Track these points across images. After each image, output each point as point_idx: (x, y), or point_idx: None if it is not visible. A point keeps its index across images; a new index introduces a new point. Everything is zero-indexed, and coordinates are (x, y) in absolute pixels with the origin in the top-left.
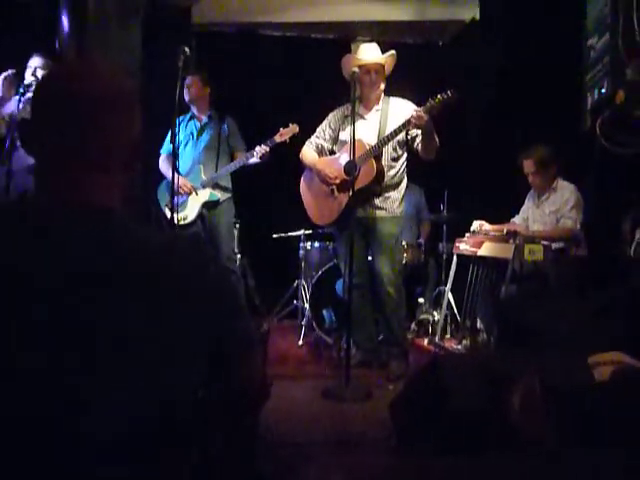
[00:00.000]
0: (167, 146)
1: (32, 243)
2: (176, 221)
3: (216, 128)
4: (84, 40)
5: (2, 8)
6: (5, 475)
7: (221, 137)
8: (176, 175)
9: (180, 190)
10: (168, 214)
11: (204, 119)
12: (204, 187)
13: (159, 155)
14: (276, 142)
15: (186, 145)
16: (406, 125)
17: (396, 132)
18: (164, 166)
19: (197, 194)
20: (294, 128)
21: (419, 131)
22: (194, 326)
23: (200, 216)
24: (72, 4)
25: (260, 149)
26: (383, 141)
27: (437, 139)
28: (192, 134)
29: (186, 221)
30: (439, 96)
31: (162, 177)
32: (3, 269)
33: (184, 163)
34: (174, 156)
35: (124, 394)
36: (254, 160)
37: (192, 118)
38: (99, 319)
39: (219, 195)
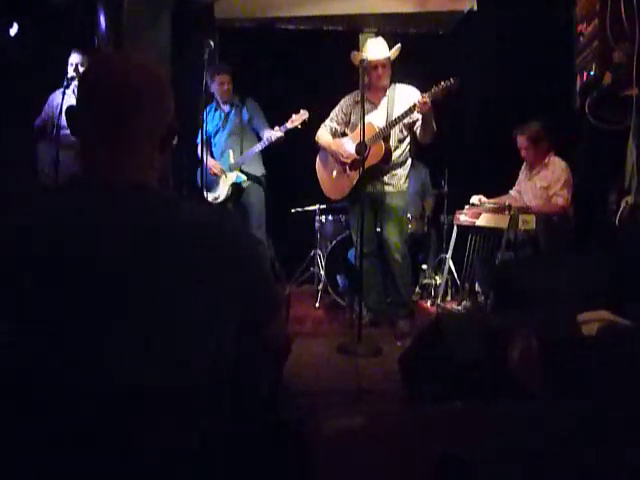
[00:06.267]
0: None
1: (80, 220)
2: (210, 199)
3: (238, 115)
4: (120, 36)
5: (45, 10)
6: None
7: (243, 122)
8: (208, 157)
9: (210, 171)
10: (204, 193)
11: (226, 108)
12: (232, 170)
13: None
14: (288, 128)
15: (216, 133)
16: (412, 110)
17: (403, 116)
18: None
19: (226, 176)
20: (304, 114)
21: (419, 116)
22: (229, 289)
23: (231, 195)
24: (108, 4)
25: (269, 134)
26: (391, 124)
27: (435, 126)
28: (220, 123)
29: (218, 200)
30: (442, 83)
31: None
32: (52, 246)
33: (217, 149)
34: (202, 141)
35: (172, 348)
36: (269, 142)
37: (217, 109)
38: (149, 287)
39: (244, 177)
